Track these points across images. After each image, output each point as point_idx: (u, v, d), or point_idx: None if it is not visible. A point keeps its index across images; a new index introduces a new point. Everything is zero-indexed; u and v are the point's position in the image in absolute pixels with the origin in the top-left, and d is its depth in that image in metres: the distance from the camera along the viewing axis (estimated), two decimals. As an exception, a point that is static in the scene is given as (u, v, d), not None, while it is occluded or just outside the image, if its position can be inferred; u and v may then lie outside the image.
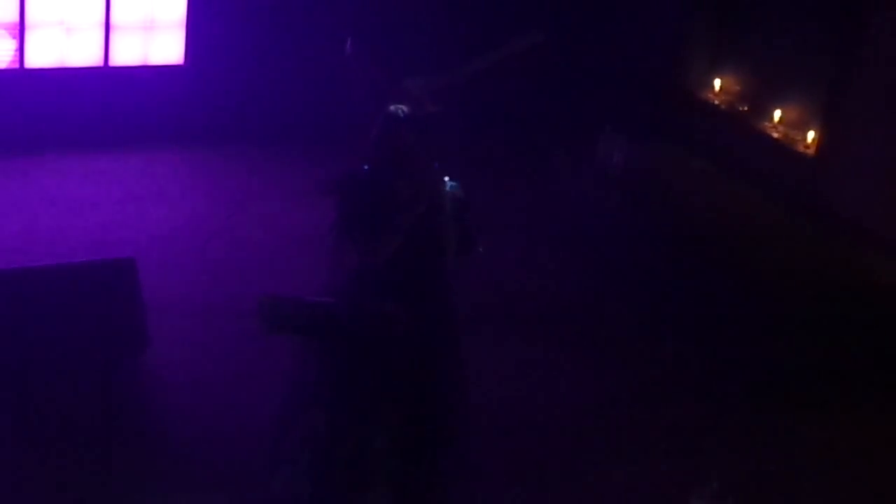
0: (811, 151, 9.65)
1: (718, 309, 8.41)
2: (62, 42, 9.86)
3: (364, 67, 7.83)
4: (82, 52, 9.97)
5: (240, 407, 6.95)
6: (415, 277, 5.48)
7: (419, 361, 5.57)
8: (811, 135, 9.62)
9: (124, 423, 6.79)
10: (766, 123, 10.02)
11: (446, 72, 7.67)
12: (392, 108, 5.44)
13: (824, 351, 8.11)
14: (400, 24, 7.85)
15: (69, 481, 6.23)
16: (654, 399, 7.67)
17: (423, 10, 8.12)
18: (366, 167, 5.50)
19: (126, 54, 10.14)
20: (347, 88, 8.20)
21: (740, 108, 10.31)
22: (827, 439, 7.49)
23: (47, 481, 6.22)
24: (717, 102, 10.49)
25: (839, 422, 7.69)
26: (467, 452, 6.07)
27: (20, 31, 9.66)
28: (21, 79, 9.85)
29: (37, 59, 9.83)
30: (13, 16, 9.61)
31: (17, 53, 9.74)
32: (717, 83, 10.48)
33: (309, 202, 5.83)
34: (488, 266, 8.44)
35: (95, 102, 10.15)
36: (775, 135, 9.91)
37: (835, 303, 8.36)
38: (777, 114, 9.90)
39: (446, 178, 5.55)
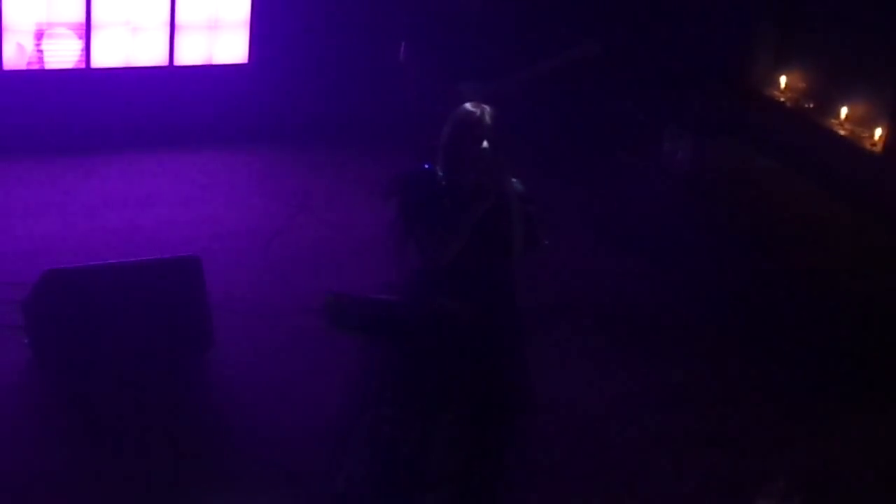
0: (878, 149, 9.51)
1: (784, 308, 8.33)
2: (128, 42, 9.93)
3: (418, 72, 7.84)
4: (147, 52, 10.05)
5: (303, 405, 6.96)
6: (479, 276, 5.46)
7: (483, 360, 5.56)
8: (878, 132, 9.48)
9: (189, 421, 6.82)
10: (833, 120, 9.88)
11: (501, 78, 7.65)
12: (469, 105, 5.40)
13: (894, 352, 8.01)
14: (459, 28, 7.83)
15: (134, 477, 6.26)
16: (721, 400, 7.62)
17: (484, 12, 8.11)
18: (427, 165, 5.47)
19: (191, 54, 10.21)
20: (403, 92, 8.20)
21: (806, 105, 10.17)
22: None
23: (113, 477, 6.26)
24: (782, 99, 10.36)
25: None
26: (529, 452, 6.06)
27: (86, 31, 9.75)
28: (87, 78, 9.93)
29: (103, 58, 9.91)
30: (80, 16, 9.70)
31: (84, 53, 9.83)
32: (783, 80, 10.35)
33: (373, 201, 5.81)
34: (552, 265, 8.42)
35: (160, 102, 10.22)
36: (842, 132, 9.78)
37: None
38: (844, 111, 9.77)
39: (512, 177, 5.51)
